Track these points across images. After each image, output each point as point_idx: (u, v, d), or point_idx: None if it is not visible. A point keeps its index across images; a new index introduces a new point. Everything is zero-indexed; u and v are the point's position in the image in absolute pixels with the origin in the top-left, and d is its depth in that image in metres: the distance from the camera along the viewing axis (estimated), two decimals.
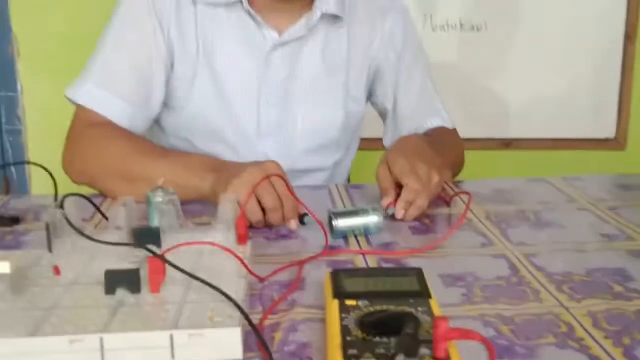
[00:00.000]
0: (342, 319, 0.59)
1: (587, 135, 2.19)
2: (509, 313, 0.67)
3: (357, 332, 0.56)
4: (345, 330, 0.57)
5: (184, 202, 1.00)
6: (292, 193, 0.89)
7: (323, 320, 0.65)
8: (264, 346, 0.59)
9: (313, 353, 0.60)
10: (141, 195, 0.86)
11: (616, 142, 2.19)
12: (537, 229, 0.91)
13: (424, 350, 0.53)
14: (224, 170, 0.95)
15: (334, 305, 0.61)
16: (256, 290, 0.73)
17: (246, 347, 0.61)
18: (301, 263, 0.79)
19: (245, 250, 0.77)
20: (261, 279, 0.74)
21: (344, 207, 1.02)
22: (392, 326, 0.56)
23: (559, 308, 0.68)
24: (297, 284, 0.74)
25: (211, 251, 0.76)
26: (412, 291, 0.64)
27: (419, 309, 0.60)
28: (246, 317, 0.60)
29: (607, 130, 2.19)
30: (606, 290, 0.72)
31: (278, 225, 0.91)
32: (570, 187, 1.10)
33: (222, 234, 0.77)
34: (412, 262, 0.80)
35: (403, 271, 0.69)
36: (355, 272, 0.69)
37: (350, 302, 0.62)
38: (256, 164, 0.92)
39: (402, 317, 0.58)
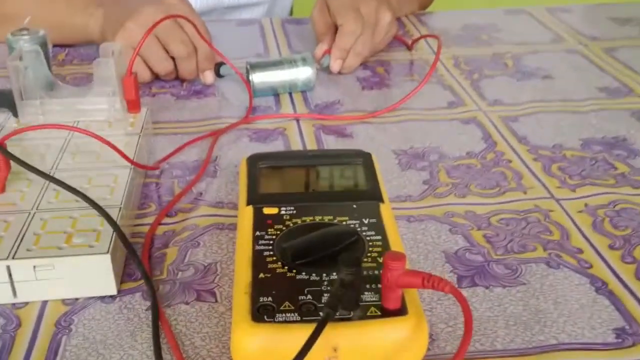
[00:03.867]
0: (255, 240, 0.41)
1: None
2: (483, 210, 0.51)
3: (275, 265, 0.39)
4: (259, 261, 0.39)
5: (68, 45, 0.79)
6: (204, 38, 0.68)
7: (236, 226, 0.48)
8: (145, 281, 0.42)
9: (218, 284, 0.43)
10: None
11: None
12: (518, 81, 0.73)
13: (368, 296, 0.37)
14: (115, 5, 0.72)
15: (247, 215, 0.44)
16: (152, 178, 0.55)
17: (125, 274, 0.44)
18: (214, 135, 0.60)
19: (138, 121, 0.58)
20: (152, 168, 0.55)
21: (279, 54, 0.81)
22: (325, 253, 0.40)
23: (549, 201, 0.52)
24: (205, 168, 0.56)
25: (91, 124, 0.56)
26: (357, 191, 0.47)
27: (366, 221, 0.43)
28: (120, 235, 0.43)
29: None
30: (607, 171, 0.56)
31: (191, 78, 0.72)
32: (556, 20, 0.91)
33: (105, 99, 0.58)
34: (360, 130, 0.62)
35: (346, 157, 0.51)
36: (280, 158, 0.51)
37: (269, 210, 0.44)
38: (156, 1, 0.69)
39: (339, 239, 0.41)
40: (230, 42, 0.75)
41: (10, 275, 0.41)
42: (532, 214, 0.50)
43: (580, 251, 0.46)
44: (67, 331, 0.39)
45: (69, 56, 0.79)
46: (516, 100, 0.68)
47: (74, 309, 0.41)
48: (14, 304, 0.41)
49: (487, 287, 0.43)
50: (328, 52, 0.72)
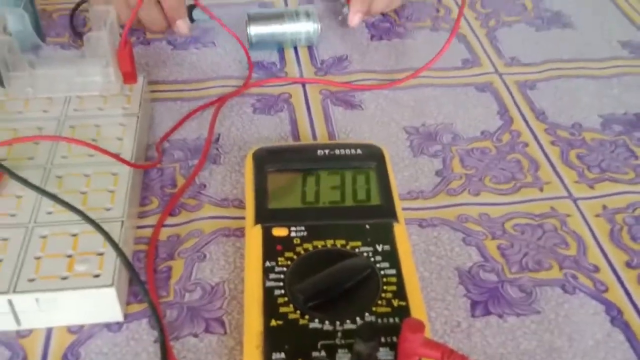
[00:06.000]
0: (266, 274, 0.40)
1: None
2: (498, 212, 0.49)
3: (287, 308, 0.38)
4: (270, 303, 0.38)
5: None
6: None
7: (242, 232, 0.46)
8: (152, 313, 0.41)
9: (226, 310, 0.42)
10: None
11: None
12: (537, 30, 0.68)
13: (383, 354, 0.36)
14: None
15: (255, 237, 0.42)
16: (151, 163, 0.52)
17: (130, 293, 0.43)
18: (215, 104, 0.57)
19: (135, 95, 0.54)
20: (153, 165, 0.52)
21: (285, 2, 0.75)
22: (337, 292, 0.39)
23: (566, 202, 0.50)
24: (207, 152, 0.53)
25: (85, 100, 0.53)
26: (370, 207, 0.45)
27: (379, 248, 0.41)
28: (124, 260, 0.41)
29: None
30: (627, 160, 0.53)
31: (157, 30, 0.66)
32: None
33: (99, 70, 0.53)
34: (370, 99, 0.59)
35: (358, 159, 0.47)
36: (288, 159, 0.48)
37: (279, 232, 0.42)
38: None
39: (352, 275, 0.39)
40: None
41: (12, 306, 0.39)
42: (548, 219, 0.48)
43: (597, 269, 0.45)
44: None
45: None
46: (534, 58, 0.64)
47: (80, 339, 0.40)
48: (18, 332, 0.40)
49: (500, 316, 0.42)
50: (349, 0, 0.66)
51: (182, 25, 0.63)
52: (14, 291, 0.39)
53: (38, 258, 0.41)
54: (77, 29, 0.66)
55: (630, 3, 0.73)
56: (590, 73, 0.63)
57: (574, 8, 0.72)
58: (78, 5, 0.69)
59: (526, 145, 0.55)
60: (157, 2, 0.63)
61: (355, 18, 0.65)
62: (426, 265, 0.45)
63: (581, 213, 0.49)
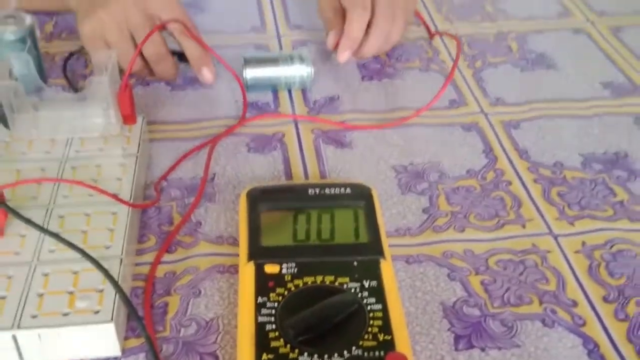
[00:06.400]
0: (258, 309, 0.42)
1: None
2: (481, 248, 0.51)
3: (278, 342, 0.40)
4: (261, 338, 0.40)
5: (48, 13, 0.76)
6: (194, 36, 0.64)
7: (236, 269, 0.48)
8: (150, 351, 0.43)
9: (220, 344, 0.44)
10: None
11: None
12: (522, 71, 0.71)
13: None
14: None
15: (248, 273, 0.44)
16: (151, 200, 0.54)
17: (128, 329, 0.44)
18: (211, 144, 0.59)
19: (134, 135, 0.56)
20: (151, 205, 0.54)
21: (276, 29, 0.77)
22: (326, 327, 0.41)
23: (546, 238, 0.52)
24: (202, 190, 0.55)
25: (86, 142, 0.55)
26: (358, 245, 0.47)
27: (366, 284, 0.43)
28: (123, 297, 0.43)
29: None
30: (606, 197, 0.56)
31: (167, 79, 0.68)
32: None
33: (101, 112, 0.56)
34: (360, 139, 0.61)
35: (347, 199, 0.50)
36: (281, 198, 0.50)
37: (271, 269, 0.44)
38: None
39: (340, 310, 0.41)
40: (222, 10, 0.72)
41: (16, 342, 0.41)
42: (529, 255, 0.50)
43: (575, 304, 0.47)
44: None
45: (57, 28, 0.76)
46: (518, 98, 0.67)
47: None
48: None
49: (483, 350, 0.44)
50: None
51: (207, 73, 0.65)
52: (18, 327, 0.41)
53: (40, 295, 0.43)
54: (70, 78, 0.68)
55: (613, 45, 0.76)
56: (572, 113, 0.65)
57: (558, 50, 0.75)
58: (71, 55, 0.71)
59: (510, 183, 0.57)
60: (166, 57, 0.65)
61: (343, 55, 0.67)
62: (412, 300, 0.47)
63: (561, 249, 0.51)
